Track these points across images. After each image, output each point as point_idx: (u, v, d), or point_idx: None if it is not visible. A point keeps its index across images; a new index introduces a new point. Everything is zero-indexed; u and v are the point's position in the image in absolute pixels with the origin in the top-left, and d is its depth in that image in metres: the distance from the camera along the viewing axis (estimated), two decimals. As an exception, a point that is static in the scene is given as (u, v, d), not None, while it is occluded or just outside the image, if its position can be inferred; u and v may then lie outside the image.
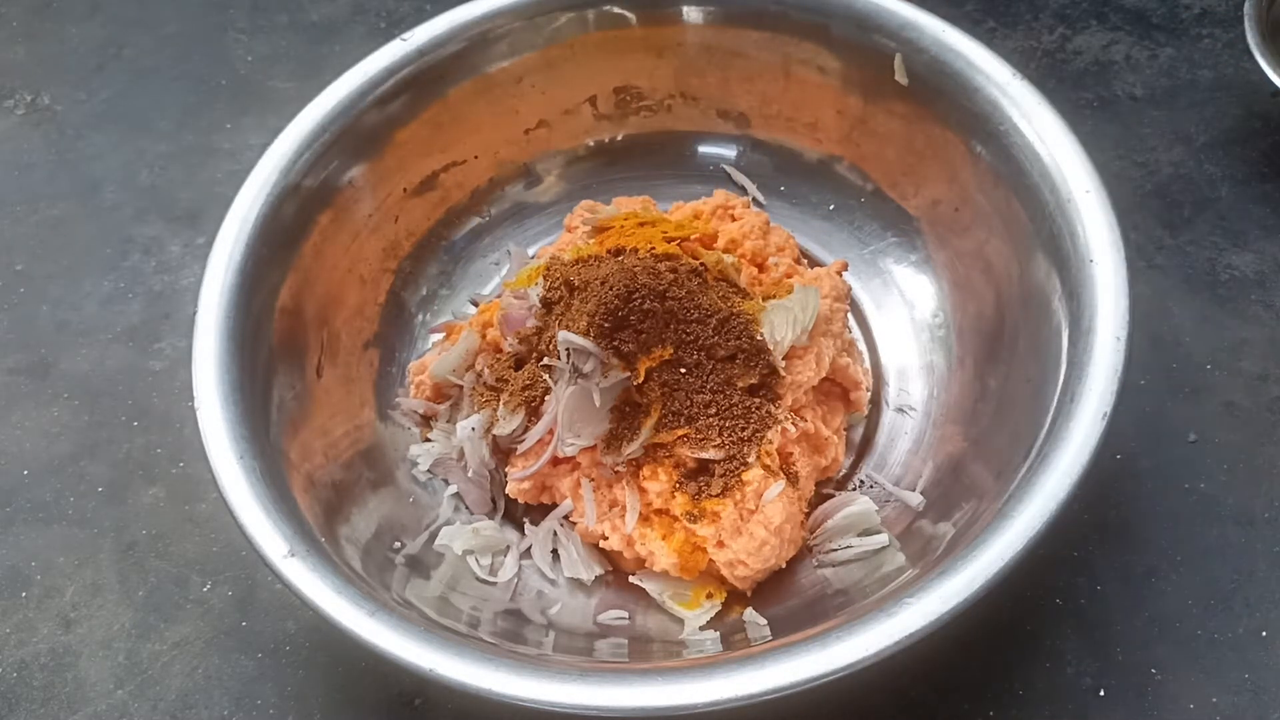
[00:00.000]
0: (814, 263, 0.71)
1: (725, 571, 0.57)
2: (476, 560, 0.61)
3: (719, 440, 0.57)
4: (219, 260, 0.60)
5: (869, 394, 0.65)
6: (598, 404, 0.56)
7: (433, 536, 0.62)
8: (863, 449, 0.65)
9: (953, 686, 0.58)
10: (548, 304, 0.61)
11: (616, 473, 0.58)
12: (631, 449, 0.57)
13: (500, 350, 0.64)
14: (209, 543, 0.66)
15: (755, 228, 0.67)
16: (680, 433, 0.57)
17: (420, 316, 0.72)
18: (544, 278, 0.62)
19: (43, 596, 0.65)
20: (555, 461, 0.60)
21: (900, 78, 0.67)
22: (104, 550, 0.66)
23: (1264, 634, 0.59)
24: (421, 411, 0.67)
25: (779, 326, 0.59)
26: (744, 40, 0.71)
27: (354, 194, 0.68)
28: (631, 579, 0.60)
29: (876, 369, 0.68)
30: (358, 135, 0.67)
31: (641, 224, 0.65)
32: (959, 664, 0.58)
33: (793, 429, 0.59)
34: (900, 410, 0.66)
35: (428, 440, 0.66)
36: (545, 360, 0.60)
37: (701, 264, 0.61)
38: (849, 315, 0.67)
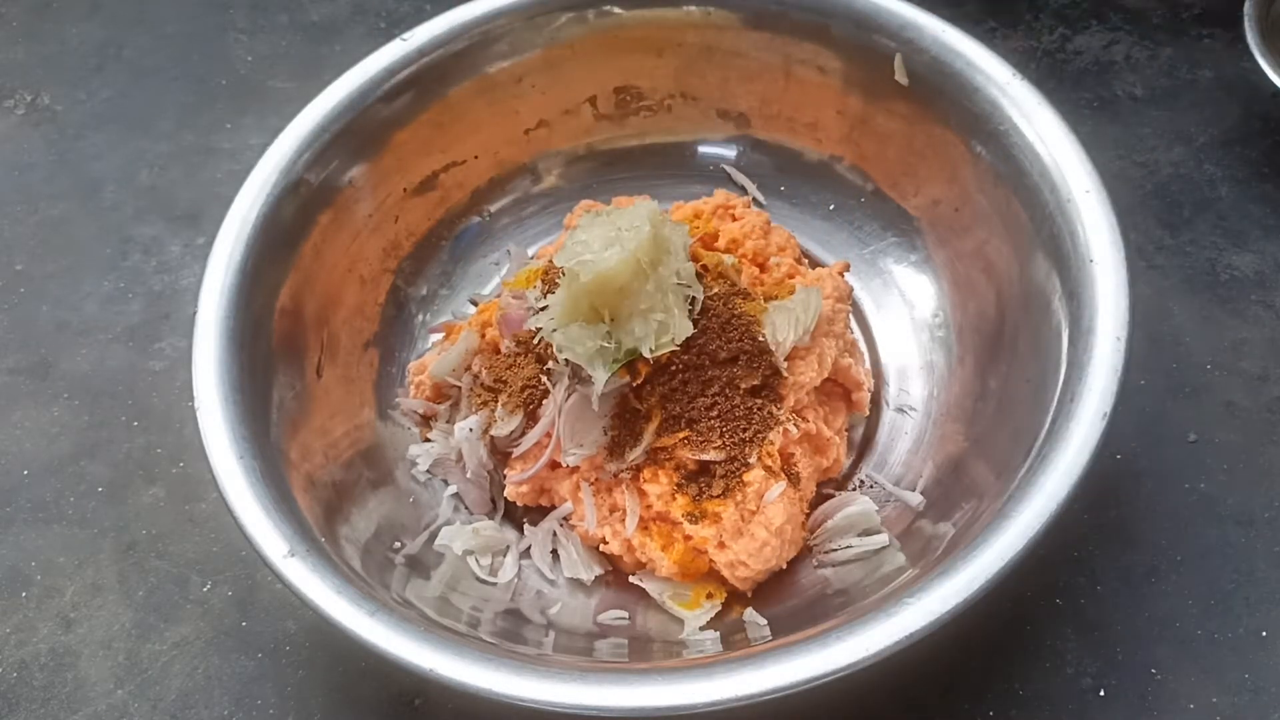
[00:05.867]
0: (814, 263, 0.71)
1: (726, 572, 0.57)
2: (476, 560, 0.61)
3: (720, 442, 0.56)
4: (219, 260, 0.60)
5: (870, 394, 0.65)
6: (596, 410, 0.56)
7: (433, 536, 0.62)
8: (863, 449, 0.65)
9: (953, 686, 0.58)
10: (547, 305, 0.61)
11: (616, 476, 0.58)
12: (634, 455, 0.57)
13: (499, 351, 0.64)
14: (209, 543, 0.66)
15: (756, 228, 0.67)
16: (681, 435, 0.57)
17: (420, 316, 0.72)
18: (542, 281, 0.61)
19: (43, 596, 0.65)
20: (554, 465, 0.60)
21: (900, 78, 0.67)
22: (104, 550, 0.66)
23: (1264, 634, 0.59)
24: (421, 411, 0.67)
25: (781, 327, 0.59)
26: (744, 40, 0.71)
27: (354, 194, 0.68)
28: (631, 579, 0.60)
29: (877, 369, 0.68)
30: (358, 135, 0.67)
31: (641, 224, 0.65)
32: (959, 664, 0.58)
33: (794, 430, 0.58)
34: (900, 410, 0.66)
35: (427, 440, 0.66)
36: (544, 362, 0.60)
37: (702, 265, 0.61)
38: (849, 315, 0.67)
